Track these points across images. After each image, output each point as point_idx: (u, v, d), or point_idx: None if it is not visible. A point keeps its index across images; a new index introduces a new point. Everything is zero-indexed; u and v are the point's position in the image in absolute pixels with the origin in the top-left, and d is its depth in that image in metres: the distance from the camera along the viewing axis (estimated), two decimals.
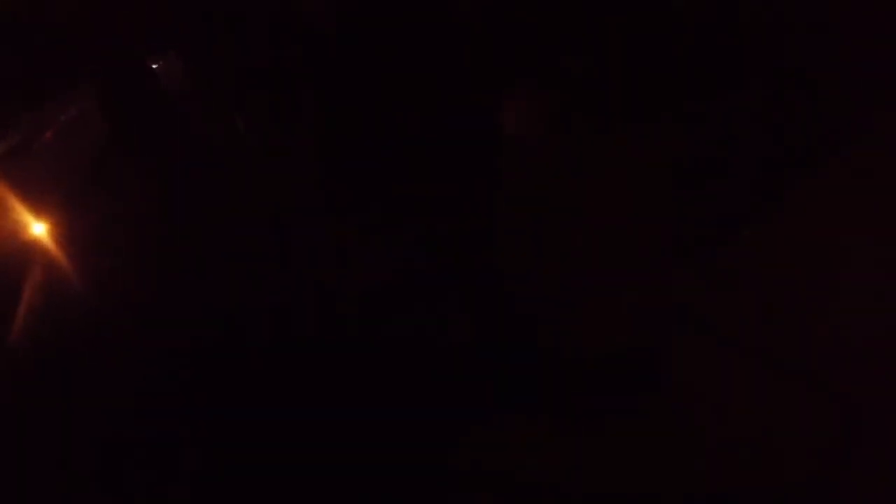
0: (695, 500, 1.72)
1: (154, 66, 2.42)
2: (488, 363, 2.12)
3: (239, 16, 2.53)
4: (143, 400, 2.18)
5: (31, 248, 2.29)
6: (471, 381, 2.09)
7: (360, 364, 2.17)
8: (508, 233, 2.44)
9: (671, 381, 1.91)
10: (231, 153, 2.47)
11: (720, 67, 2.36)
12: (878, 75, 2.24)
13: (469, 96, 2.63)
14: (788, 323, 1.88)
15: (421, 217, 2.45)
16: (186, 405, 2.15)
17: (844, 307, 1.88)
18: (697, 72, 2.36)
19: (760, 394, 1.81)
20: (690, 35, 2.41)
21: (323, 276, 2.36)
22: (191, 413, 2.14)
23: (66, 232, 2.30)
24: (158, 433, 2.12)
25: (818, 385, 1.78)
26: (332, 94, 2.64)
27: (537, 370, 2.06)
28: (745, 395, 1.82)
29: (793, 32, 2.36)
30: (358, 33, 2.63)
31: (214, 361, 2.23)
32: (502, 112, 2.54)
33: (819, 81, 2.28)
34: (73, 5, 2.35)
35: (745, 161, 2.25)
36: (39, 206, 2.29)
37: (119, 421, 2.15)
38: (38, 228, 2.27)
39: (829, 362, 1.80)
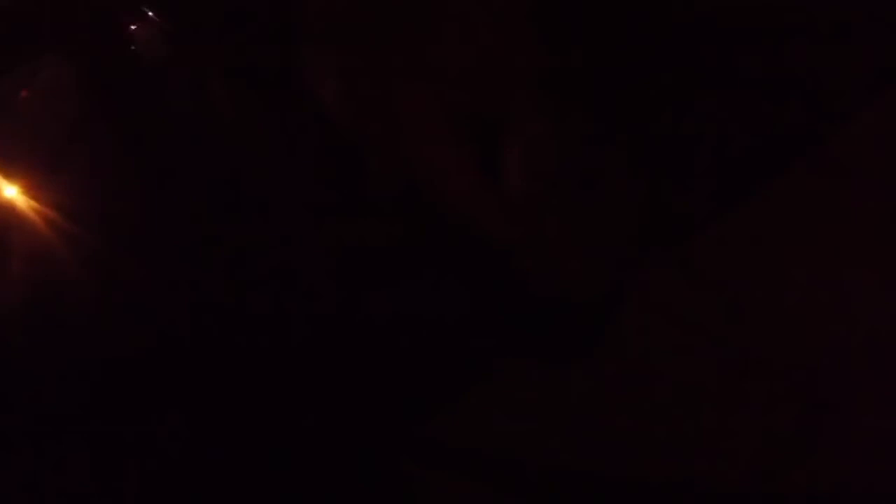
0: (653, 481, 1.74)
1: (132, 28, 2.38)
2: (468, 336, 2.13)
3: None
4: (115, 386, 2.17)
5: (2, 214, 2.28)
6: (448, 353, 2.10)
7: (341, 340, 2.17)
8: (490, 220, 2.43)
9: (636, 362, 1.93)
10: (211, 124, 2.45)
11: (700, 65, 2.36)
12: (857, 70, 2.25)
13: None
14: (754, 317, 1.90)
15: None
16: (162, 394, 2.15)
17: (812, 302, 1.90)
18: (676, 69, 2.35)
19: (723, 382, 1.83)
20: (669, 32, 2.40)
21: (302, 249, 2.35)
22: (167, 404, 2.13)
23: (40, 198, 2.29)
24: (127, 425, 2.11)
25: (782, 376, 1.80)
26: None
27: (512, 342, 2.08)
28: (707, 383, 1.84)
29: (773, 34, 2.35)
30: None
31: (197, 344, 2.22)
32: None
33: (801, 78, 2.28)
34: None
35: (717, 158, 2.24)
36: (12, 171, 2.27)
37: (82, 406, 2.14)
38: (10, 192, 2.25)
39: (794, 355, 1.83)
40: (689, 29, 2.38)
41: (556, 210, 2.27)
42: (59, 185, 2.31)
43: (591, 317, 2.06)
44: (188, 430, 2.09)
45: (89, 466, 2.05)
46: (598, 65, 2.36)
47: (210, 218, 2.37)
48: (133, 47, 2.41)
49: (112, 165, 2.36)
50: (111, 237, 2.29)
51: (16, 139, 2.34)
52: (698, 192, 2.19)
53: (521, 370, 2.05)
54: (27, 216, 2.26)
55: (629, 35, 2.37)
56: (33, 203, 2.26)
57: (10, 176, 2.26)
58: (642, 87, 2.35)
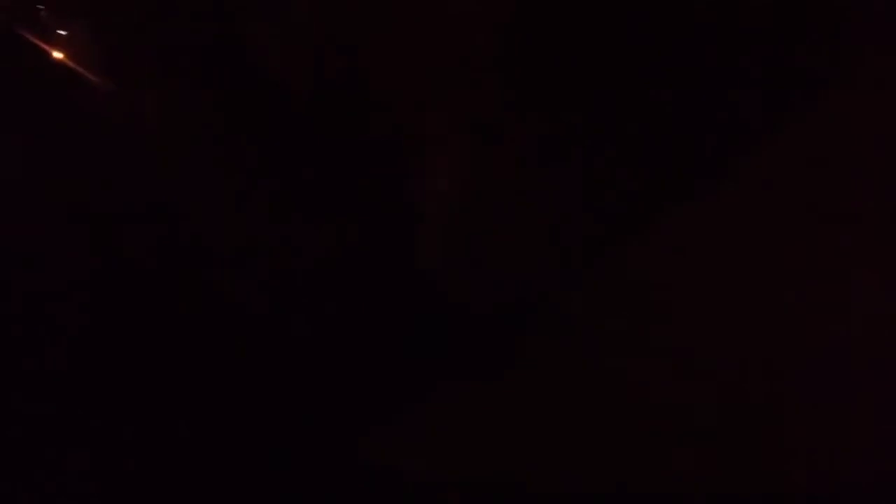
0: (651, 482, 1.74)
1: (61, 34, 2.37)
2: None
3: None
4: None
5: None
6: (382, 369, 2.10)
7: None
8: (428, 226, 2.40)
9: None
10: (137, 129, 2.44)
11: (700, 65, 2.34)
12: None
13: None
14: (753, 317, 1.89)
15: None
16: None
17: (812, 302, 1.89)
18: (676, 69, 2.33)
19: (722, 382, 1.82)
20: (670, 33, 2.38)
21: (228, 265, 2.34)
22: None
23: None
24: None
25: (781, 376, 1.80)
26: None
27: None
28: (706, 383, 1.84)
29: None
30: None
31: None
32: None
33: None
34: None
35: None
36: None
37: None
38: None
39: (793, 355, 1.82)
40: (689, 29, 2.37)
41: (468, 226, 2.27)
42: None
43: (502, 327, 2.05)
44: (188, 430, 2.09)
45: (89, 466, 2.05)
46: (572, 76, 2.34)
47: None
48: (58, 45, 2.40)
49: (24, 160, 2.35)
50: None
51: None
52: (685, 190, 2.18)
53: (512, 377, 2.05)
54: None
55: (628, 37, 2.36)
56: None
57: None
58: (635, 90, 2.34)
